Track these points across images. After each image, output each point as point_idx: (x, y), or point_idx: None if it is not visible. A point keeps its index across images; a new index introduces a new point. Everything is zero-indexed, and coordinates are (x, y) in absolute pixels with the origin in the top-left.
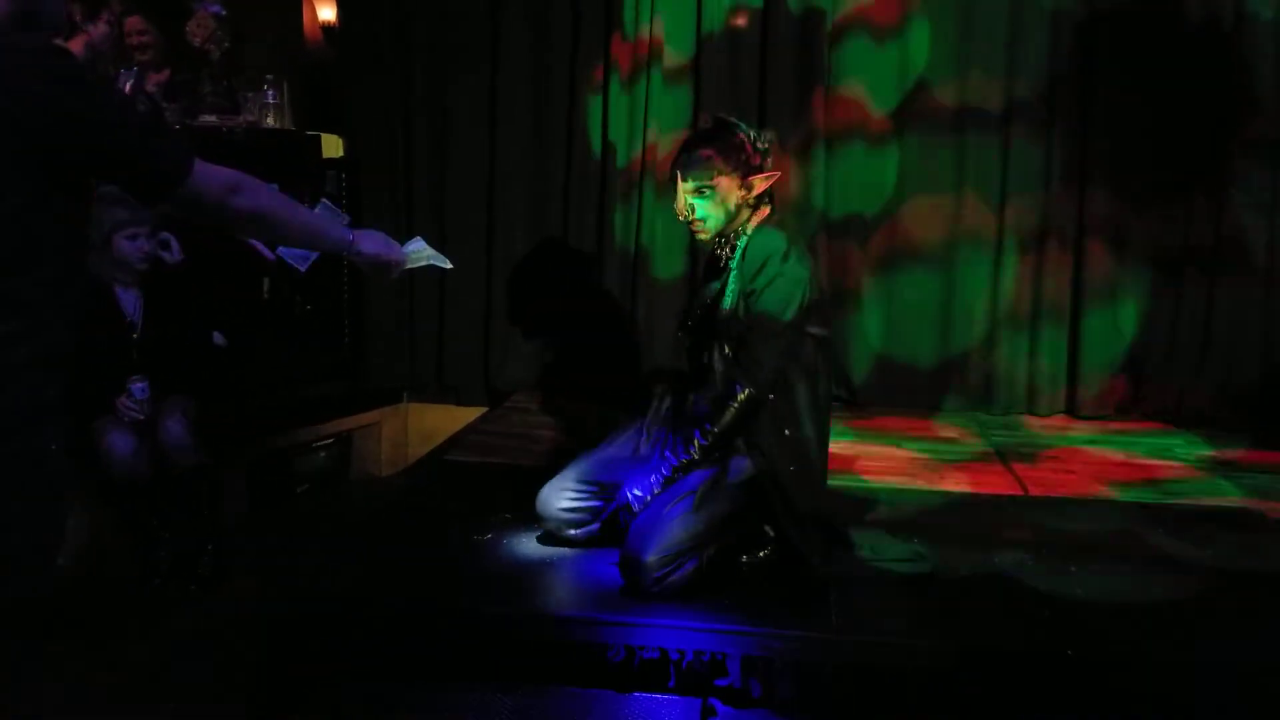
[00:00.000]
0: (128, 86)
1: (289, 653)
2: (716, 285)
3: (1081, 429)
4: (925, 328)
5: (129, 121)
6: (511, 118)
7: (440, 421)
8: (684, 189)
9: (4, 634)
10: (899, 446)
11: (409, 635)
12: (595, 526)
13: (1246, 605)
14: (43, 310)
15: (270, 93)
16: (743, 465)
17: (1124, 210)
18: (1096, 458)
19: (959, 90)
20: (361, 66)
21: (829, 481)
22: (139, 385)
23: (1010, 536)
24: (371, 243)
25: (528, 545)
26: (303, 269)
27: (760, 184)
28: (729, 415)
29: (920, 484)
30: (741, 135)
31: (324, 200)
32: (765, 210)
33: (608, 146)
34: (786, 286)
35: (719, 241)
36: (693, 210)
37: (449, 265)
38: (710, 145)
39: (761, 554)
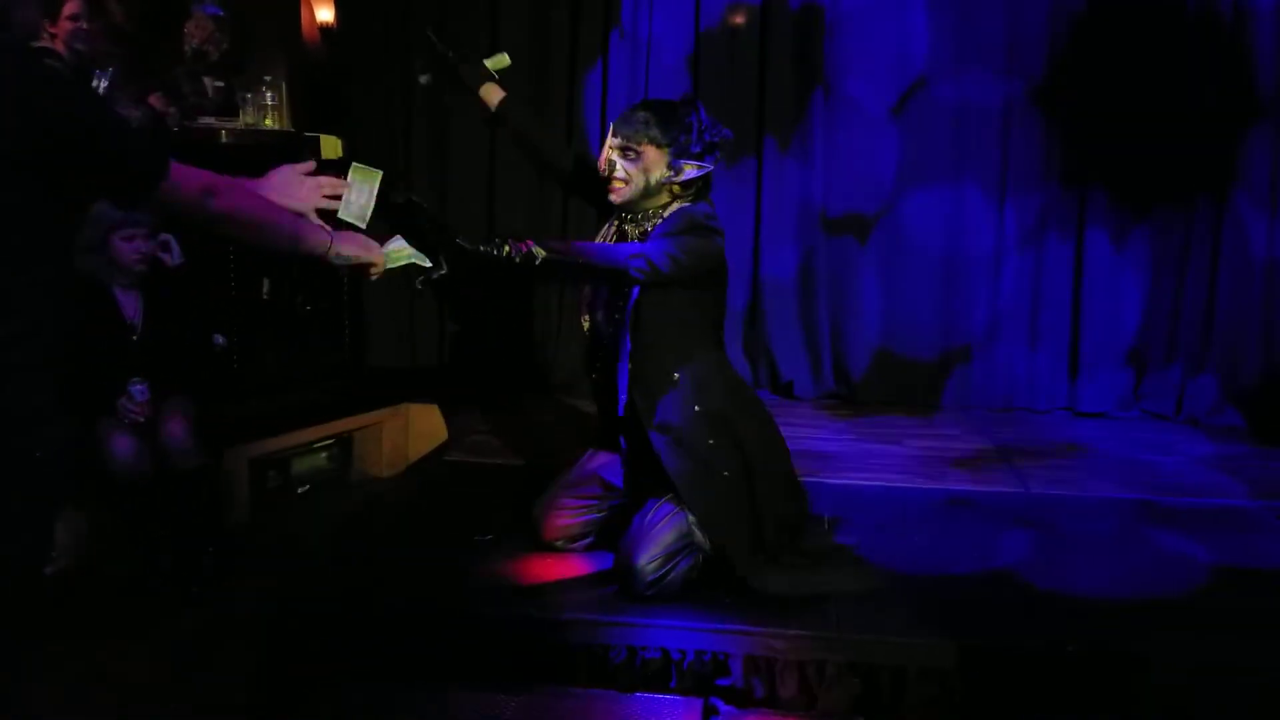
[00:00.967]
0: (101, 88)
1: (289, 653)
2: None
3: (1083, 423)
4: (925, 323)
5: (104, 122)
6: None
7: (441, 422)
8: (611, 143)
9: None
10: (899, 443)
11: (410, 636)
12: (592, 539)
13: (1248, 602)
14: (34, 313)
15: (269, 94)
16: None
17: (1124, 205)
18: (1097, 453)
19: (958, 84)
20: (360, 67)
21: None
22: (139, 387)
23: (1010, 534)
24: (350, 244)
25: (529, 545)
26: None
27: (688, 169)
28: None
29: (921, 481)
30: (692, 119)
31: (355, 164)
32: (691, 201)
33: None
34: (691, 244)
35: (628, 217)
36: (612, 168)
37: (430, 264)
38: (654, 113)
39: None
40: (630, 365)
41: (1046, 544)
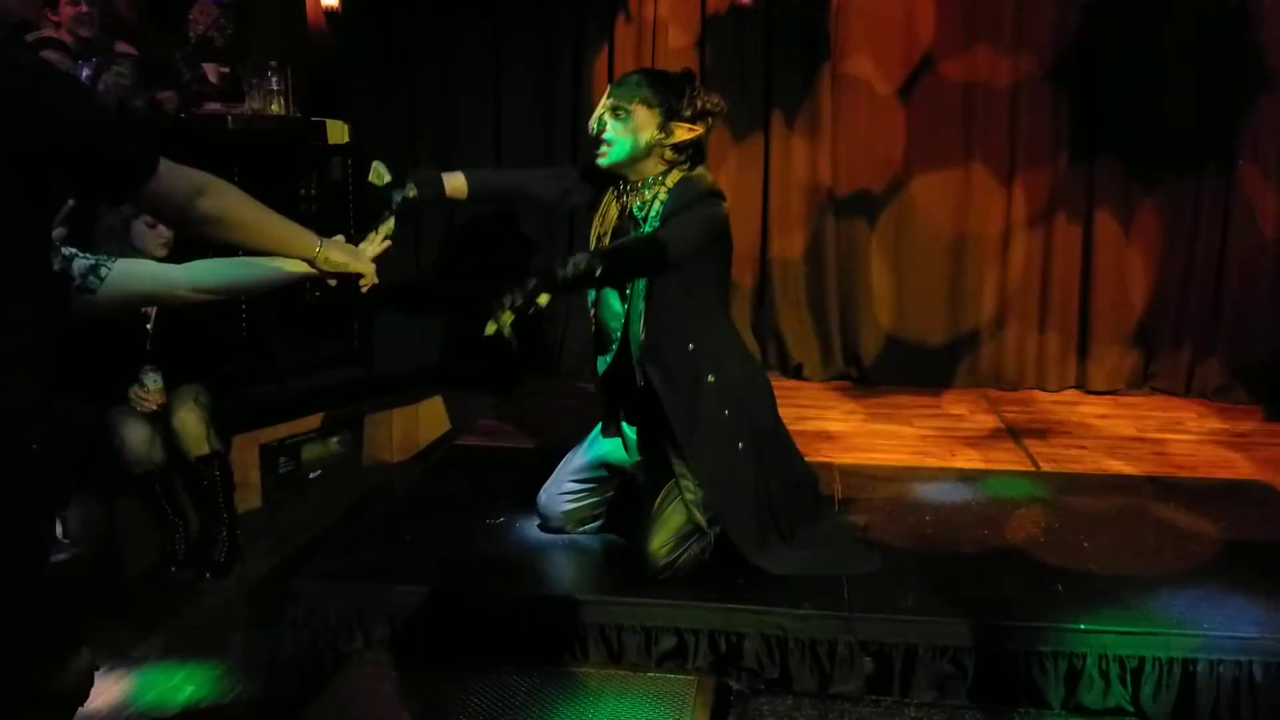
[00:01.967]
0: (84, 76)
1: (303, 638)
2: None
3: (1092, 404)
4: (935, 303)
5: (91, 114)
6: (516, 101)
7: (450, 407)
8: (603, 103)
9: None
10: (909, 424)
11: (424, 619)
12: (601, 522)
13: (1259, 578)
14: (15, 309)
15: (274, 79)
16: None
17: (1133, 183)
18: (1107, 432)
19: (966, 64)
20: (365, 51)
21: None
22: (152, 375)
23: (1021, 512)
24: (339, 251)
25: (540, 528)
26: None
27: (680, 133)
28: (625, 242)
29: (931, 461)
30: (685, 84)
31: (377, 163)
32: (686, 171)
33: None
34: (704, 213)
35: (627, 187)
36: (601, 126)
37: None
38: (647, 76)
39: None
40: (645, 339)
41: (1057, 522)
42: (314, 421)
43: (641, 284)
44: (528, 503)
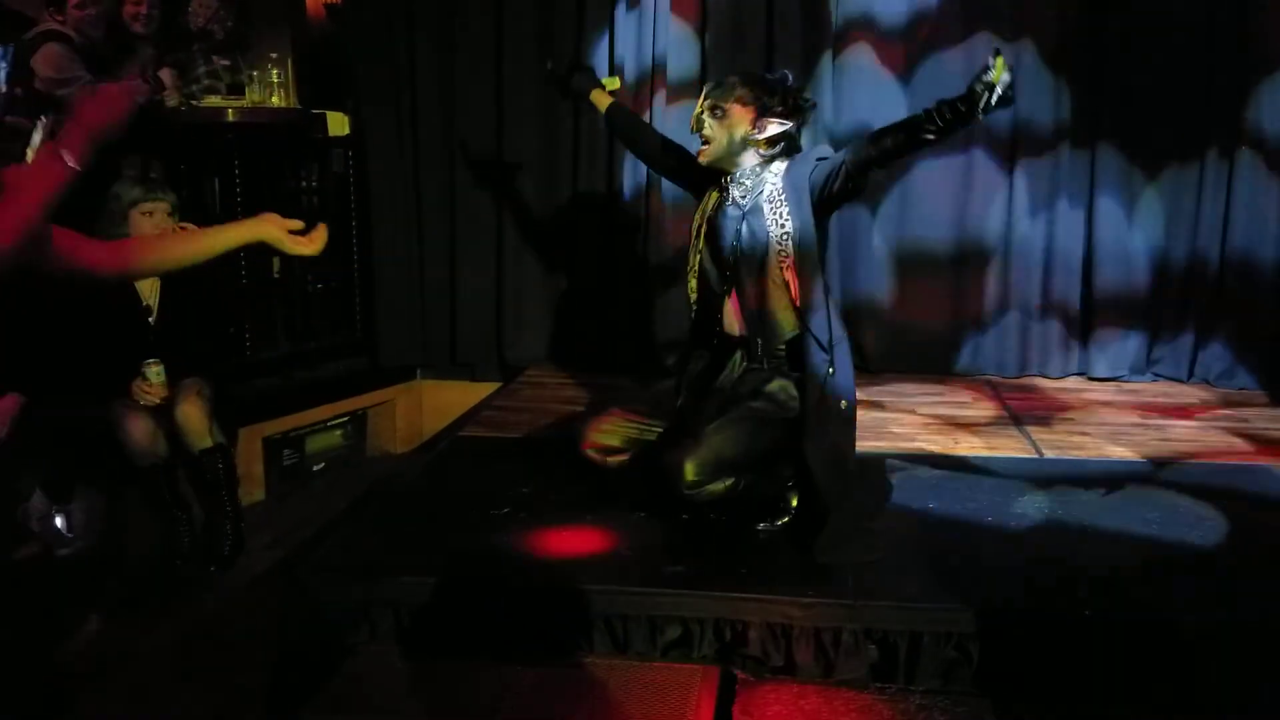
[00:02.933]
0: (37, 139)
1: (308, 630)
2: (742, 226)
3: (1095, 389)
4: (937, 291)
5: None
6: (518, 89)
7: (454, 397)
8: (701, 103)
9: None
10: (912, 411)
11: (429, 611)
12: (628, 457)
13: (1263, 561)
14: None
15: (274, 71)
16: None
17: (1135, 169)
18: (1111, 417)
19: (967, 47)
20: (365, 42)
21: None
22: (154, 368)
23: (1024, 498)
24: (274, 219)
25: (545, 519)
26: None
27: (771, 126)
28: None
29: (934, 448)
30: (778, 84)
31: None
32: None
33: None
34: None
35: (731, 179)
36: (700, 124)
37: None
38: (744, 77)
39: (780, 522)
40: (754, 306)
41: (1061, 507)
42: (318, 414)
43: (768, 240)
44: (531, 493)
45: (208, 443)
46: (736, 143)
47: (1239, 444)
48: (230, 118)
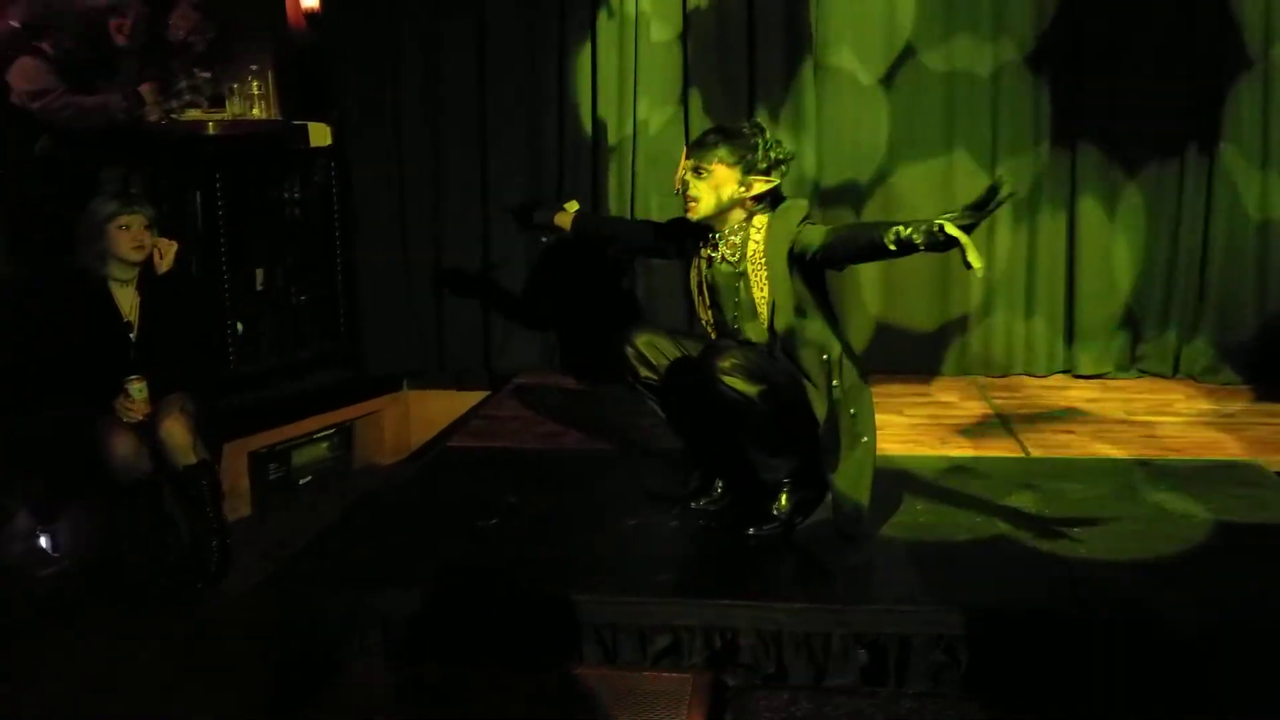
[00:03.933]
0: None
1: (297, 644)
2: (739, 285)
3: (1081, 388)
4: (922, 291)
5: None
6: (501, 99)
7: (442, 407)
8: (684, 164)
9: None
10: (900, 413)
11: (418, 622)
12: (657, 381)
13: (1249, 559)
14: None
15: (255, 83)
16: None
17: (1115, 167)
18: (1096, 416)
19: (947, 53)
20: (347, 52)
21: None
22: (136, 384)
23: (1012, 499)
24: None
25: (536, 529)
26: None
27: (758, 185)
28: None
29: (922, 449)
30: (758, 139)
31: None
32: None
33: (598, 125)
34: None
35: (716, 237)
36: (686, 186)
37: None
38: (722, 135)
39: (769, 528)
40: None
41: (1048, 507)
42: (304, 426)
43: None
44: (519, 504)
45: (191, 459)
46: (725, 202)
47: (1224, 440)
48: (211, 131)
